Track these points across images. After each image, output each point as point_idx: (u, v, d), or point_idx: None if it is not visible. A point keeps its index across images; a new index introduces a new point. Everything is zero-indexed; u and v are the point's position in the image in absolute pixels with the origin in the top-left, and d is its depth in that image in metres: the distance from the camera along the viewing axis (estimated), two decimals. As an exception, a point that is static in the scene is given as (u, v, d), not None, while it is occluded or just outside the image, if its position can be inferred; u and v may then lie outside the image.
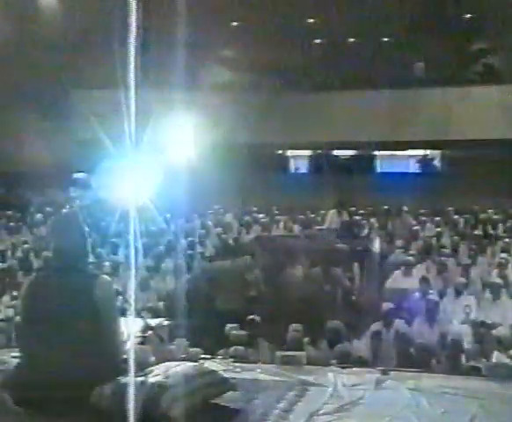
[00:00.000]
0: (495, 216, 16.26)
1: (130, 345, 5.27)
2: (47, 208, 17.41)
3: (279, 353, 7.19)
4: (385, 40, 23.91)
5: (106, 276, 5.28)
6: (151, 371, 5.10)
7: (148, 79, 15.06)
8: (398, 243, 13.72)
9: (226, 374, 5.80)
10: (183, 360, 6.16)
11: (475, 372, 7.24)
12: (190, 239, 14.34)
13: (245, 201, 18.07)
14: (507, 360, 7.42)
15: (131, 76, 5.89)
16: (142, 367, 5.13)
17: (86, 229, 5.50)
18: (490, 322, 9.80)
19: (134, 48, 5.95)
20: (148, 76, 15.23)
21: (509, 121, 19.69)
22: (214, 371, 5.56)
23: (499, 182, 18.01)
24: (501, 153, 19.85)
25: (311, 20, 22.83)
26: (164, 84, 15.36)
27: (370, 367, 6.91)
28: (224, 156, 19.00)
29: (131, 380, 4.74)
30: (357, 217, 16.06)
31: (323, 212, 15.76)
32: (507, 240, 13.81)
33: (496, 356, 7.54)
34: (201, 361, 6.64)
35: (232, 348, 8.36)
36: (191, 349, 7.35)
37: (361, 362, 7.77)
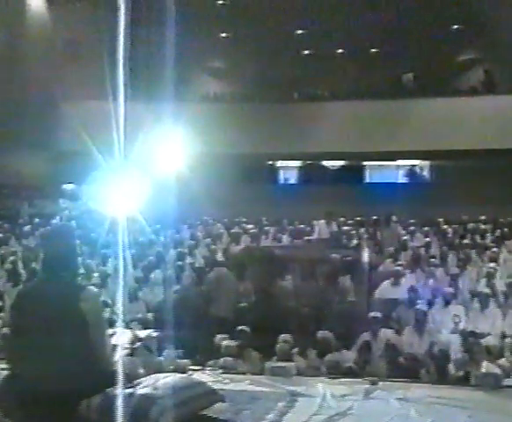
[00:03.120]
0: (484, 226, 16.30)
1: (119, 357, 5.27)
2: (36, 219, 17.37)
3: (268, 364, 7.20)
4: (374, 51, 24.03)
5: (93, 287, 5.28)
6: (140, 383, 5.10)
7: (137, 91, 15.09)
8: (388, 252, 13.74)
9: (215, 386, 5.80)
10: (172, 371, 6.16)
11: (463, 381, 7.27)
12: (179, 250, 14.32)
13: (235, 212, 18.07)
14: (495, 370, 7.43)
15: (120, 88, 5.91)
16: (130, 378, 5.13)
17: (76, 241, 5.51)
18: (478, 331, 9.82)
19: (123, 61, 5.97)
20: (137, 87, 15.25)
21: (498, 132, 19.80)
22: (202, 382, 5.56)
23: (487, 192, 18.10)
24: (489, 163, 19.95)
25: (300, 32, 22.91)
26: (154, 96, 15.37)
27: (359, 378, 6.93)
28: (214, 167, 19.04)
29: (120, 391, 4.74)
30: (346, 227, 16.08)
31: (312, 222, 15.77)
32: (495, 250, 13.84)
33: (485, 366, 7.56)
34: (190, 373, 6.65)
35: (222, 359, 8.37)
36: (180, 360, 7.35)
37: (350, 373, 7.77)
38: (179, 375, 5.58)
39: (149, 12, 15.66)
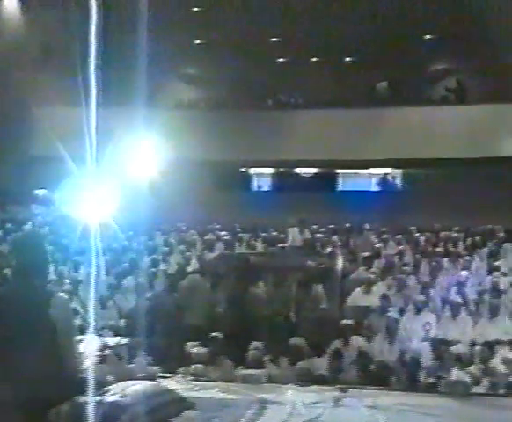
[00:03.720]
0: (456, 234, 16.41)
1: (88, 364, 5.24)
2: (8, 225, 17.22)
3: (240, 371, 7.21)
4: (348, 59, 24.14)
5: (63, 294, 5.24)
6: (109, 390, 5.07)
7: (110, 97, 15.03)
8: (360, 260, 13.79)
9: (186, 393, 5.80)
10: (142, 378, 6.14)
11: (433, 389, 7.32)
12: (153, 257, 14.28)
13: (209, 219, 18.04)
14: (465, 378, 7.49)
15: (93, 93, 5.89)
16: (100, 386, 5.10)
17: (48, 247, 5.47)
18: (449, 339, 9.89)
19: (96, 66, 5.95)
20: (110, 93, 15.20)
21: (469, 141, 19.97)
22: (172, 390, 5.55)
23: (459, 200, 18.22)
24: (461, 172, 20.11)
25: (275, 39, 22.97)
26: (127, 102, 15.33)
27: (331, 385, 6.96)
28: (187, 174, 19.00)
29: (89, 399, 4.71)
30: (319, 235, 16.12)
31: (286, 230, 15.78)
32: (467, 258, 13.95)
33: (454, 373, 7.62)
34: (161, 380, 6.64)
35: (193, 366, 8.36)
36: (150, 367, 7.34)
37: (321, 380, 7.79)
38: (148, 383, 5.56)
39: (123, 18, 15.64)
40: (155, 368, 7.35)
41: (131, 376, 6.49)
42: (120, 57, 17.46)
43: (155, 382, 6.01)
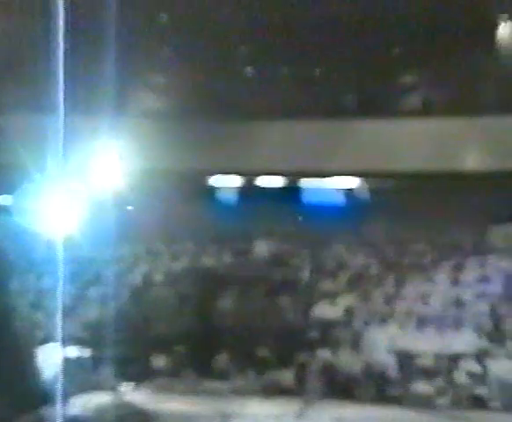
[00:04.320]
0: (421, 247, 16.48)
1: (51, 376, 5.17)
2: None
3: (204, 384, 7.15)
4: (316, 70, 24.22)
5: (24, 306, 5.16)
6: (71, 402, 5.01)
7: (76, 104, 14.91)
8: (327, 272, 13.80)
9: (149, 406, 5.74)
10: (104, 390, 6.07)
11: (398, 401, 7.33)
12: (118, 267, 14.16)
13: (175, 229, 17.94)
14: (429, 390, 7.51)
15: (59, 101, 5.83)
16: (61, 397, 5.03)
17: (10, 258, 5.40)
18: (414, 351, 9.92)
19: (62, 74, 5.88)
20: (76, 101, 15.08)
21: (436, 154, 20.10)
22: (132, 403, 5.49)
23: (425, 213, 18.32)
24: (428, 185, 20.22)
25: (242, 49, 22.98)
26: (93, 110, 15.21)
27: (296, 397, 6.93)
28: (153, 184, 18.89)
29: (50, 411, 4.64)
30: (286, 247, 16.11)
31: (252, 241, 15.76)
32: (432, 270, 14.02)
33: (418, 385, 7.63)
34: (123, 392, 6.56)
35: (157, 378, 8.30)
36: (113, 380, 7.26)
37: (287, 392, 7.77)
38: (110, 395, 5.49)
39: (90, 26, 15.53)
40: (119, 380, 7.26)
41: (94, 388, 6.42)
42: (87, 65, 17.33)
43: (117, 395, 5.94)
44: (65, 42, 6.01)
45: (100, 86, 12.85)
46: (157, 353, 9.31)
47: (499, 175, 18.17)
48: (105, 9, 13.07)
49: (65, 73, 5.98)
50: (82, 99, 16.49)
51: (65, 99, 5.96)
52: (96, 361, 8.00)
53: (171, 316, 11.25)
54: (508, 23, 19.32)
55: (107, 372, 7.59)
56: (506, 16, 19.22)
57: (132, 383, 7.41)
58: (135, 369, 8.76)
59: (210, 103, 22.45)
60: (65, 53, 5.98)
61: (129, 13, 17.52)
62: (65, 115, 5.98)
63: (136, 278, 13.71)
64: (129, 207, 17.34)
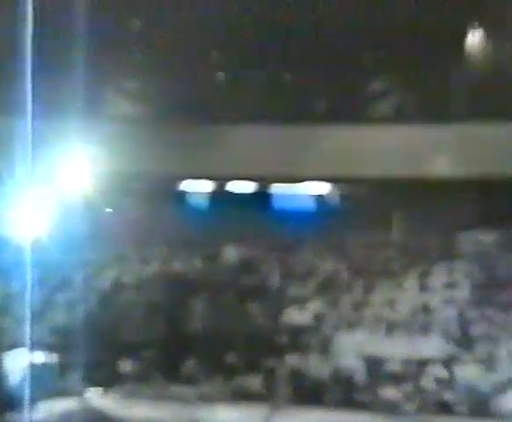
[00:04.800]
0: (391, 252, 16.58)
1: (17, 381, 5.13)
2: None
3: (172, 389, 7.13)
4: (287, 75, 24.28)
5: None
6: (37, 408, 4.97)
7: (46, 108, 14.81)
8: (296, 277, 13.83)
9: (116, 411, 5.71)
10: (71, 396, 6.04)
11: (366, 406, 7.36)
12: (87, 271, 14.07)
13: (144, 233, 17.88)
14: (397, 395, 7.56)
15: (28, 104, 5.79)
16: (28, 403, 5.00)
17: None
18: (383, 357, 9.97)
19: (30, 76, 5.84)
20: (46, 105, 14.98)
21: (406, 160, 20.23)
22: (99, 408, 5.46)
23: (394, 219, 18.43)
24: (398, 191, 20.34)
25: (214, 54, 22.98)
26: (64, 114, 15.13)
27: (264, 403, 6.94)
28: (124, 188, 18.81)
29: (17, 416, 4.61)
30: (256, 252, 16.11)
31: (222, 247, 15.75)
32: (401, 276, 14.10)
33: (386, 391, 7.67)
34: (90, 398, 6.52)
35: (125, 384, 8.26)
36: (81, 385, 7.22)
37: (255, 397, 7.77)
38: (77, 401, 5.46)
39: (60, 29, 15.45)
40: (85, 386, 7.22)
41: (61, 393, 6.38)
42: (57, 68, 17.24)
43: (84, 400, 5.91)
44: (34, 45, 5.98)
45: (70, 90, 12.79)
46: (124, 358, 9.26)
47: (467, 181, 18.36)
48: (75, 12, 13.02)
49: (34, 76, 5.95)
50: (51, 103, 16.41)
51: (34, 102, 5.93)
52: (63, 366, 7.95)
53: (140, 320, 11.21)
54: (478, 31, 19.55)
55: (74, 377, 7.54)
56: (476, 24, 19.45)
57: (99, 389, 7.36)
58: (103, 374, 8.72)
59: (181, 107, 22.43)
60: (34, 55, 5.95)
61: (101, 17, 17.46)
62: (34, 118, 5.94)
63: (105, 282, 13.63)
64: (108, 210, 17.27)
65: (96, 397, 6.69)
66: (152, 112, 23.09)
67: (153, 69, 22.48)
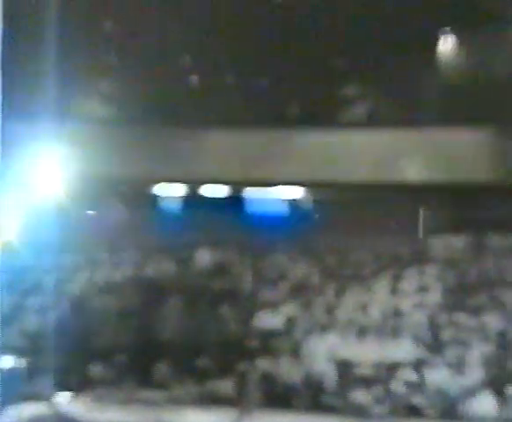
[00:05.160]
0: (363, 257, 16.64)
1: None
2: None
3: (143, 393, 7.12)
4: (260, 80, 24.31)
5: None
6: (5, 413, 4.94)
7: (17, 110, 14.71)
8: (268, 281, 13.84)
9: (87, 415, 5.68)
10: (40, 400, 6.00)
11: (336, 410, 7.39)
12: (58, 276, 13.99)
13: (116, 238, 17.81)
14: (367, 399, 7.59)
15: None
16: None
17: None
18: (354, 361, 10.01)
19: (0, 77, 5.81)
20: (17, 107, 14.87)
21: (379, 165, 20.33)
22: (69, 413, 5.43)
23: (367, 224, 18.51)
24: (371, 195, 20.43)
25: (187, 57, 22.97)
26: (36, 116, 15.04)
27: (235, 407, 6.94)
28: (96, 192, 18.73)
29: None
30: (228, 256, 16.11)
31: (194, 251, 15.73)
32: (373, 280, 14.16)
33: (356, 394, 7.71)
34: (59, 402, 6.49)
35: (96, 388, 8.22)
36: (51, 390, 7.17)
37: (226, 402, 7.77)
38: (46, 405, 5.43)
39: (32, 29, 15.36)
40: (55, 390, 7.18)
41: (30, 398, 6.34)
42: (27, 69, 17.12)
43: (53, 405, 5.88)
44: (4, 46, 5.94)
45: (42, 90, 12.72)
46: (95, 363, 9.21)
47: (439, 186, 18.50)
48: (47, 12, 12.96)
49: (4, 76, 5.91)
50: (22, 104, 16.31)
51: (3, 103, 5.89)
52: (33, 371, 7.89)
53: (111, 325, 11.16)
54: (450, 36, 19.73)
55: (44, 382, 7.49)
56: (448, 29, 19.63)
57: (70, 393, 7.32)
58: (74, 379, 8.67)
59: (154, 110, 22.39)
60: (4, 57, 5.91)
61: (73, 18, 17.38)
62: (3, 120, 5.91)
63: (76, 287, 13.56)
64: (90, 212, 17.18)
65: (66, 402, 6.65)
66: (125, 114, 23.04)
67: (126, 71, 22.42)
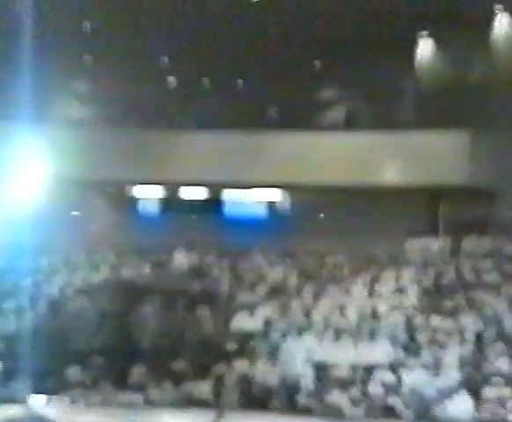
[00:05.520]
0: (340, 258, 16.69)
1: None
2: None
3: (119, 395, 7.12)
4: (239, 82, 24.34)
5: None
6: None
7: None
8: (246, 284, 13.85)
9: (64, 418, 5.68)
10: (17, 402, 5.99)
11: (313, 411, 7.43)
12: (36, 278, 13.92)
13: (95, 240, 17.76)
14: (343, 400, 7.63)
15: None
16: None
17: None
18: (330, 362, 10.03)
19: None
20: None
21: (357, 168, 20.42)
22: (45, 415, 5.43)
23: (344, 226, 18.60)
24: (348, 197, 20.52)
25: (165, 59, 22.94)
26: (13, 117, 14.96)
27: (211, 408, 6.96)
28: (73, 193, 18.67)
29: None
30: (206, 258, 16.11)
31: (172, 253, 15.72)
32: (350, 282, 14.21)
33: (333, 396, 7.74)
34: (36, 404, 6.47)
35: (73, 390, 8.19)
36: (28, 392, 7.15)
37: (203, 403, 7.78)
38: (22, 408, 5.42)
39: (12, 32, 15.28)
40: (33, 393, 7.16)
41: (6, 401, 6.32)
42: (4, 70, 17.05)
43: (30, 407, 5.87)
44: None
45: (19, 92, 12.65)
46: (73, 365, 9.18)
47: (416, 189, 18.62)
48: (26, 14, 12.90)
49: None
50: (1, 106, 16.24)
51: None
52: (9, 373, 7.86)
53: (89, 327, 11.12)
54: (427, 41, 19.87)
55: (20, 384, 7.46)
56: (424, 34, 19.79)
57: (47, 395, 7.30)
58: (51, 381, 8.64)
59: (132, 112, 22.35)
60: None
61: (51, 20, 17.32)
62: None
63: (54, 289, 13.51)
64: (67, 214, 17.12)
65: (43, 404, 6.63)
66: (104, 116, 22.96)
67: (103, 74, 22.36)
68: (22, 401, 6.45)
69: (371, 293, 13.41)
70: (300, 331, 10.97)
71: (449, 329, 11.53)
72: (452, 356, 10.49)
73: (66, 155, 18.81)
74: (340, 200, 20.53)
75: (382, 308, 12.37)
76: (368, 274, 14.74)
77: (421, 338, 11.24)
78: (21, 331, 10.50)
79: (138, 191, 25.01)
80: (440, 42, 19.61)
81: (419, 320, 11.88)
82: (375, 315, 12.02)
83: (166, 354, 9.87)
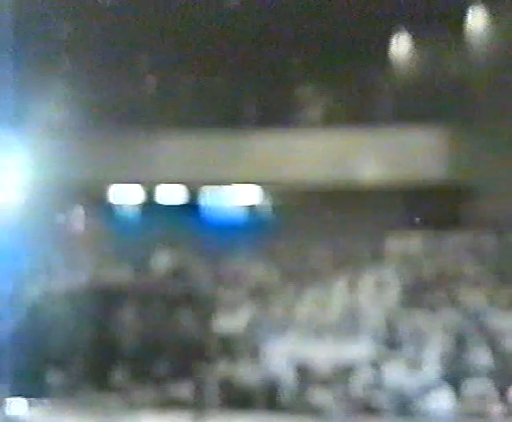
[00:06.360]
0: (322, 257, 16.70)
1: None
2: None
3: (101, 398, 7.08)
4: (217, 79, 24.29)
5: None
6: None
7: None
8: (228, 285, 13.82)
9: (40, 421, 5.63)
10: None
11: (294, 409, 7.42)
12: (14, 282, 13.82)
13: (74, 243, 17.66)
14: (325, 398, 7.63)
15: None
16: None
17: None
18: (312, 360, 10.04)
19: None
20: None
21: (335, 165, 20.44)
22: (24, 419, 5.39)
23: (325, 223, 18.61)
24: (328, 195, 20.54)
25: (144, 58, 22.87)
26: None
27: (192, 409, 6.93)
28: (52, 196, 18.56)
29: None
30: (187, 261, 16.05)
31: (152, 255, 15.66)
32: (332, 280, 14.21)
33: (315, 394, 7.74)
34: (15, 408, 6.42)
35: (53, 394, 8.15)
36: (6, 395, 7.09)
37: (184, 404, 7.75)
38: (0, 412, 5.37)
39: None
40: (12, 396, 7.10)
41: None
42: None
43: (7, 411, 5.82)
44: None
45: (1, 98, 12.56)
46: (53, 369, 9.12)
47: (395, 185, 18.67)
48: (2, 20, 12.83)
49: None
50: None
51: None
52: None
53: (69, 330, 11.06)
54: (404, 37, 19.93)
55: (0, 387, 7.40)
56: (401, 30, 19.84)
57: (26, 399, 7.25)
58: (31, 384, 8.58)
59: (109, 114, 22.26)
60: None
61: (29, 24, 17.21)
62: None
63: (33, 292, 13.42)
64: (46, 217, 16.97)
65: (22, 408, 6.58)
66: (80, 118, 22.87)
67: (81, 76, 22.26)
68: (0, 405, 6.39)
69: (353, 289, 13.42)
70: (281, 331, 10.96)
71: (430, 324, 11.56)
72: (433, 351, 10.53)
73: (44, 158, 18.72)
74: (321, 198, 20.55)
75: (363, 304, 12.38)
76: (349, 271, 14.76)
77: (403, 333, 11.27)
78: (0, 335, 10.42)
79: (118, 193, 24.93)
80: (417, 38, 19.67)
81: (400, 315, 11.91)
82: (356, 311, 12.02)
83: (147, 356, 9.83)
